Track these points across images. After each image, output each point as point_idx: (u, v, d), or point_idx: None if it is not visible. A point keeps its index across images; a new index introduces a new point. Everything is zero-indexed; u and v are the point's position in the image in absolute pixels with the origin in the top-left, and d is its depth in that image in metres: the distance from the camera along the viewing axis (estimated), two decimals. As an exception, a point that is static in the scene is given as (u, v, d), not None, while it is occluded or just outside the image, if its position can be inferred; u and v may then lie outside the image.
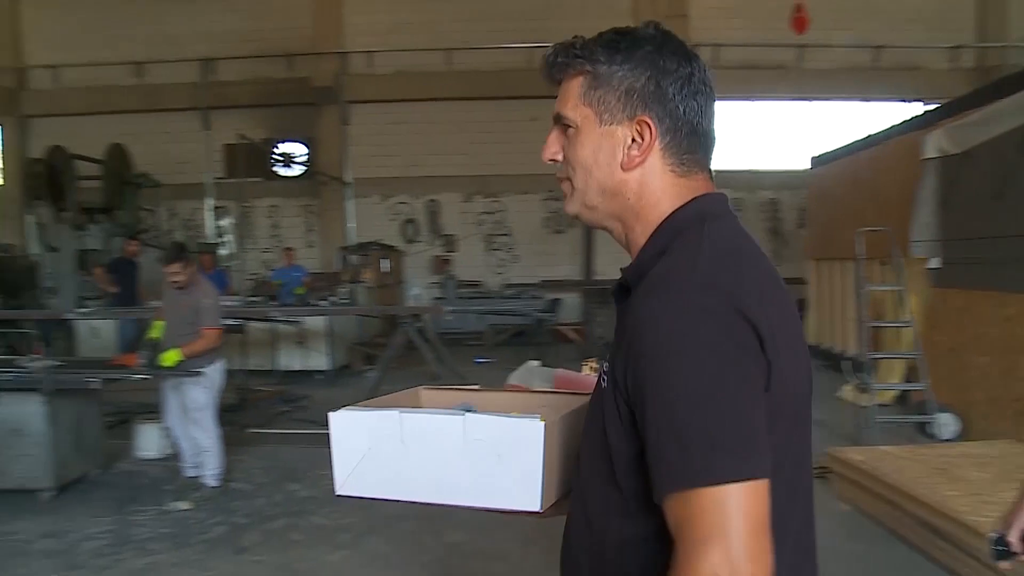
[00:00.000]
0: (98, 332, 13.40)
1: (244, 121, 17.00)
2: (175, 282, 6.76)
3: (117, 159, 16.17)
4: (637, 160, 1.44)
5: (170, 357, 6.62)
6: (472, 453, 1.55)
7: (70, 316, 12.17)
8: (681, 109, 1.43)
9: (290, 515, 6.50)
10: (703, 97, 1.44)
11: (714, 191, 1.47)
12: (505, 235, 18.31)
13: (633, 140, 1.44)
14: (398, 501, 1.64)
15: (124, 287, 13.80)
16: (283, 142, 16.42)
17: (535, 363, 3.12)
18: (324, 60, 17.95)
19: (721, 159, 1.58)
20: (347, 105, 17.64)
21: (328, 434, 1.67)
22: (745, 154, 17.73)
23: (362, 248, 15.93)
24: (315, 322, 12.38)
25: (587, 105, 1.46)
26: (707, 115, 1.45)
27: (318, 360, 12.55)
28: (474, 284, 17.79)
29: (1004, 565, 2.24)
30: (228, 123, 17.13)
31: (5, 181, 19.46)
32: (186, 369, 6.67)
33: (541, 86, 1.57)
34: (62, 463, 6.78)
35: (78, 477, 7.11)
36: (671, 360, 1.24)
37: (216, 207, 16.78)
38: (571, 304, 16.72)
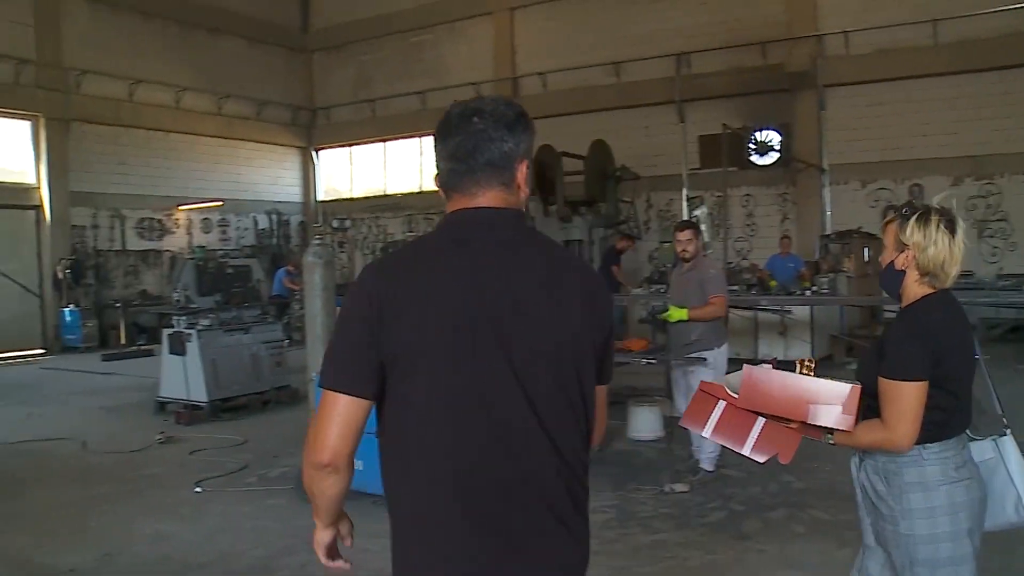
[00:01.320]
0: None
1: (718, 112, 16.99)
2: (683, 251, 6.94)
3: (599, 154, 16.96)
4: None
5: (676, 314, 6.73)
6: None
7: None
8: (436, 161, 2.07)
9: (789, 506, 6.26)
10: (440, 141, 2.05)
11: (460, 208, 2.02)
12: (1001, 220, 16.46)
13: None
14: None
15: (607, 275, 14.54)
16: (758, 130, 16.13)
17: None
18: (798, 45, 17.41)
19: None
20: (823, 89, 16.98)
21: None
22: None
23: (842, 236, 15.20)
24: (799, 311, 12.04)
25: None
26: (446, 160, 2.03)
27: (800, 350, 12.15)
28: (965, 274, 16.21)
29: None
30: (702, 114, 17.27)
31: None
32: (689, 355, 6.72)
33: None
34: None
35: (583, 453, 7.45)
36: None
37: (690, 197, 16.99)
38: (1083, 297, 14.60)
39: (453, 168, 2.01)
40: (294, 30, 24.78)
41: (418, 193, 23.49)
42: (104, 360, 15.90)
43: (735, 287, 12.92)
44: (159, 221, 21.08)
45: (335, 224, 15.38)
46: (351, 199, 24.94)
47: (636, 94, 18.91)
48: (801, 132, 17.13)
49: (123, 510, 6.61)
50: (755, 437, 2.75)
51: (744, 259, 17.39)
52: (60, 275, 18.35)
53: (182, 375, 10.04)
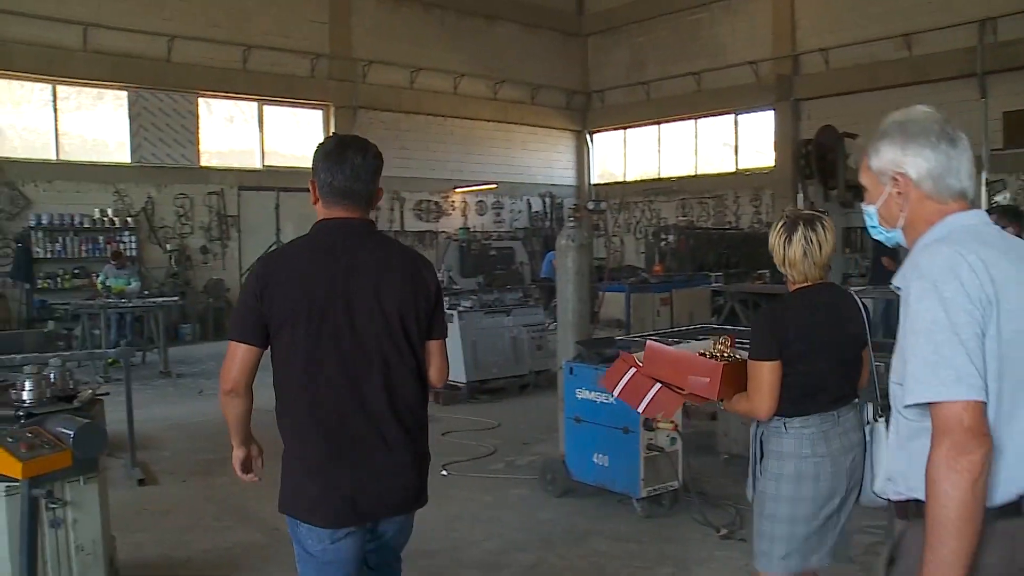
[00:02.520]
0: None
1: (1027, 84, 15.21)
2: None
3: (884, 135, 15.67)
4: (313, 200, 2.96)
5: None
6: None
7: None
8: (321, 177, 2.89)
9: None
10: (326, 170, 2.87)
11: (333, 216, 2.89)
12: None
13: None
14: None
15: (878, 267, 13.29)
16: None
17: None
18: None
19: None
20: None
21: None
22: None
23: None
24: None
25: None
26: (331, 179, 2.86)
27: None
28: None
29: None
30: (1009, 87, 15.55)
31: (777, 163, 20.37)
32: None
33: None
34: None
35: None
36: None
37: (991, 181, 15.34)
38: None
39: (339, 187, 2.86)
40: (569, 14, 24.82)
41: (693, 177, 22.90)
42: (381, 336, 16.57)
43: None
44: (436, 203, 21.87)
45: (590, 206, 14.90)
46: (624, 182, 24.74)
47: (929, 68, 17.29)
48: None
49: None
50: (649, 399, 3.26)
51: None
52: (343, 255, 19.40)
53: (443, 355, 10.17)
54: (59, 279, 16.28)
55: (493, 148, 23.02)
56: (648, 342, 3.47)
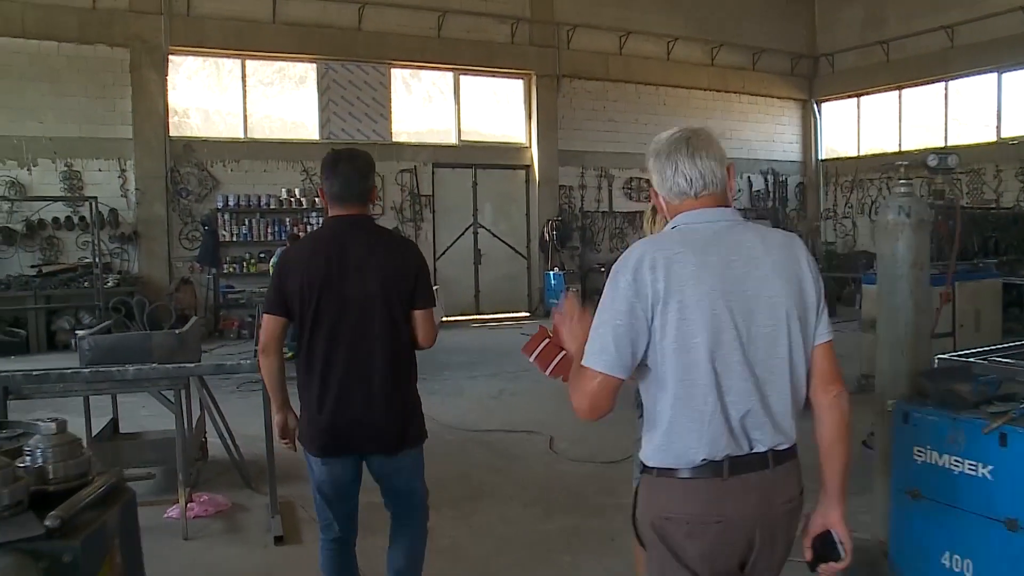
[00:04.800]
0: None
1: None
2: None
3: None
4: (323, 203, 3.70)
5: None
6: None
7: None
8: (324, 185, 3.55)
9: None
10: (326, 180, 3.51)
11: (335, 214, 3.55)
12: None
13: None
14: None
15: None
16: None
17: None
18: None
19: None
20: None
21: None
22: None
23: None
24: None
25: None
26: (331, 187, 3.50)
27: None
28: None
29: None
30: None
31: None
32: None
33: None
34: None
35: None
36: None
37: None
38: None
39: (335, 193, 3.52)
40: (795, -33, 22.10)
41: (942, 149, 19.72)
42: (584, 330, 14.84)
43: None
44: (647, 182, 19.75)
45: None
46: (858, 157, 21.81)
47: None
48: None
49: (582, 569, 4.77)
50: (554, 364, 3.24)
51: None
52: (546, 236, 17.80)
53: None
54: (244, 264, 15.41)
55: (709, 119, 20.63)
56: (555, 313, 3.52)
